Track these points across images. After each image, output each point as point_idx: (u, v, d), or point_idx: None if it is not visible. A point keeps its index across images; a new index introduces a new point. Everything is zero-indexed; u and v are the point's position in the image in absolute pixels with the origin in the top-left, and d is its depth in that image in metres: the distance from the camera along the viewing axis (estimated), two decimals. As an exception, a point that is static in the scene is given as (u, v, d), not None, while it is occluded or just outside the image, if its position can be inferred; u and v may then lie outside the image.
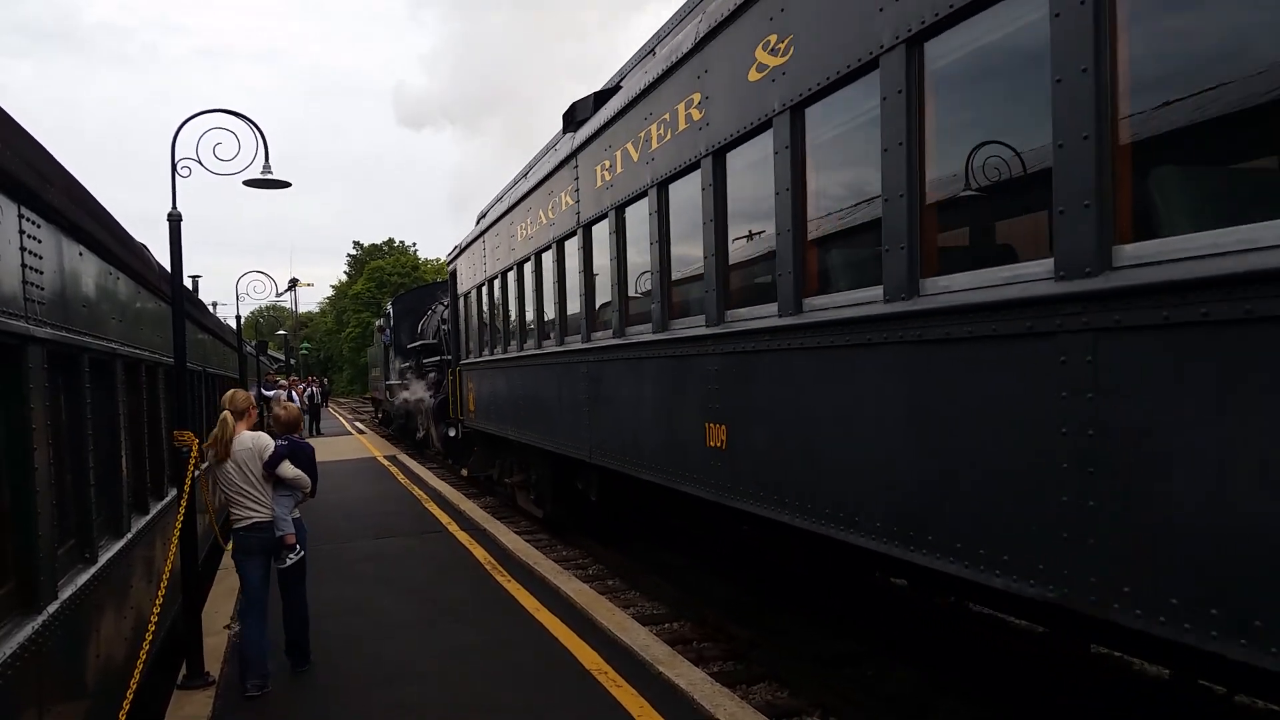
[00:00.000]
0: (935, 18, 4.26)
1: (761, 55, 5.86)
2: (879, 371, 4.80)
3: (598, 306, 9.60)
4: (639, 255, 8.19)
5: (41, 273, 4.42)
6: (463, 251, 17.46)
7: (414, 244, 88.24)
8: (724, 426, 6.60)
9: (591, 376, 9.59)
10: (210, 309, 19.19)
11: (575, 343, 10.09)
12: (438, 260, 76.19)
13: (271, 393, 23.42)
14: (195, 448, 6.98)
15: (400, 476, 19.34)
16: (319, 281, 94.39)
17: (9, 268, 3.96)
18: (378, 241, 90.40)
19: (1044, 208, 3.74)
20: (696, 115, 6.85)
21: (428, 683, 6.61)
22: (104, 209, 5.99)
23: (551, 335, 11.16)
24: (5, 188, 3.94)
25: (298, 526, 6.77)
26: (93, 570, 5.16)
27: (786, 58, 5.57)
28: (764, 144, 5.94)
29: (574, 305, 10.20)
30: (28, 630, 3.92)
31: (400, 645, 7.52)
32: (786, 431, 5.80)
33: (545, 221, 11.20)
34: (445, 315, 20.89)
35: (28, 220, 4.24)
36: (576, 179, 9.87)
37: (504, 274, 13.72)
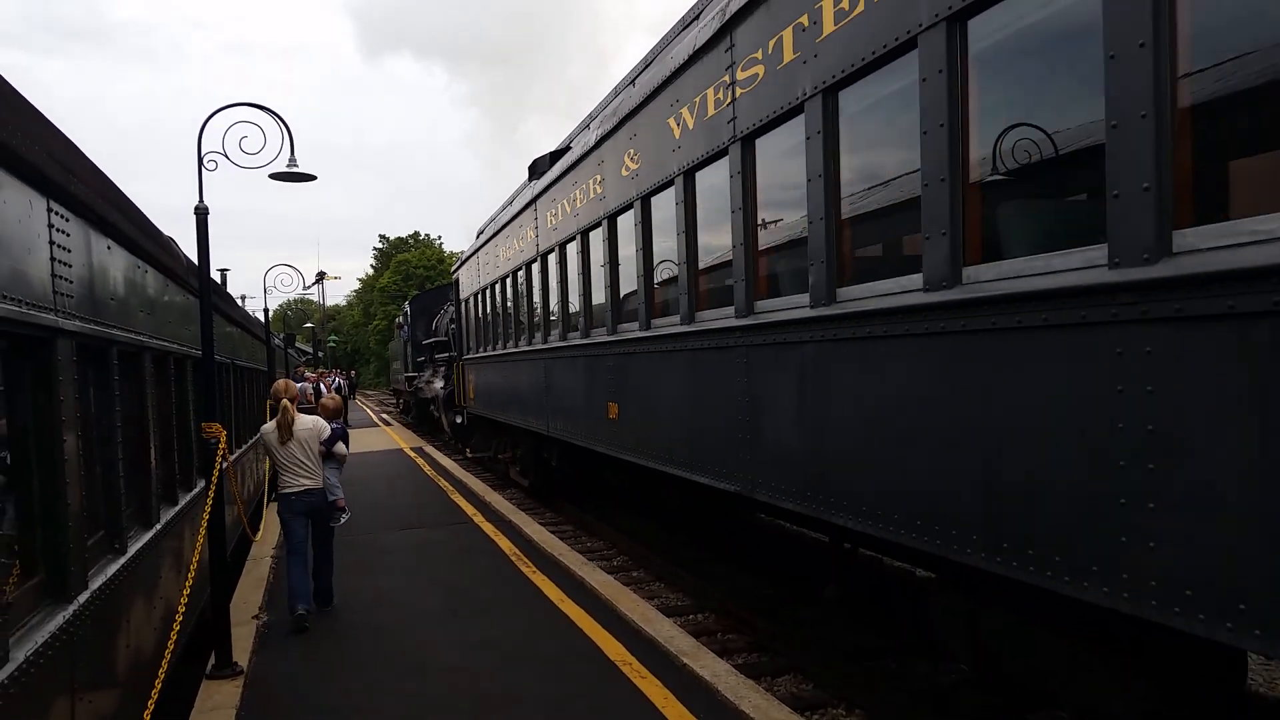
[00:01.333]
0: None
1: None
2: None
3: (551, 316, 12.26)
4: (577, 278, 10.83)
5: (70, 266, 4.46)
6: (463, 264, 21.16)
7: (439, 237, 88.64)
8: (616, 404, 9.44)
9: (547, 370, 12.49)
10: (238, 302, 19.36)
11: (538, 343, 12.98)
12: (462, 253, 76.40)
13: (299, 385, 23.60)
14: (223, 440, 7.04)
15: (427, 468, 19.45)
16: (346, 275, 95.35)
17: (38, 261, 4.00)
18: (404, 235, 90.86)
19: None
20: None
21: (453, 673, 6.64)
22: (132, 203, 6.04)
23: (523, 337, 14.11)
24: (35, 182, 3.98)
25: (323, 504, 8.22)
26: (122, 561, 5.21)
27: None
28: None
29: (535, 315, 13.17)
30: (59, 619, 3.97)
31: (425, 636, 7.56)
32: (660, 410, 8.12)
33: (517, 249, 14.30)
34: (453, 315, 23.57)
35: (57, 214, 4.28)
36: (535, 219, 12.90)
37: (491, 286, 16.78)
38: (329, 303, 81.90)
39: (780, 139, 6.06)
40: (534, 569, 9.71)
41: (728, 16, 6.42)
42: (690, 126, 7.26)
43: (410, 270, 79.19)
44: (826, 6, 5.27)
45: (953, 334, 4.39)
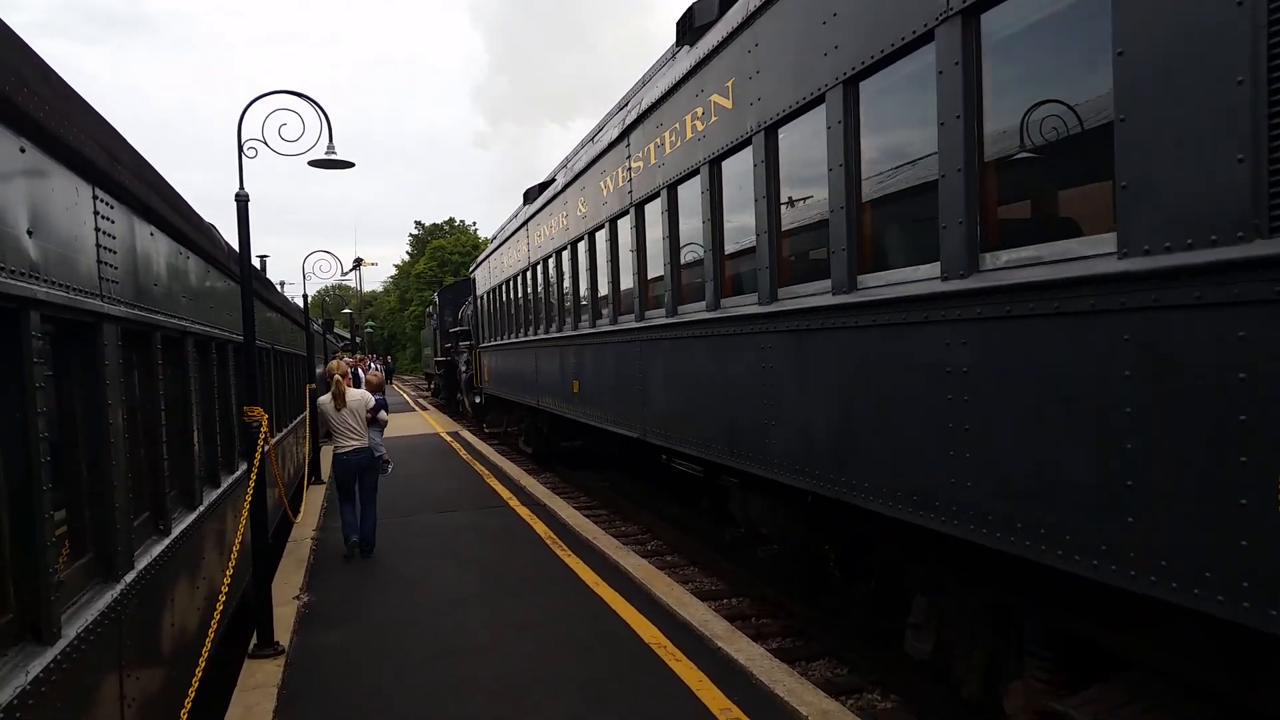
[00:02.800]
0: None
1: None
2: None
3: (541, 313, 15.57)
4: (568, 283, 13.53)
5: (115, 253, 4.54)
6: (477, 265, 25.43)
7: (474, 223, 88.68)
8: (577, 381, 12.86)
9: (535, 356, 16.10)
10: (278, 288, 19.59)
11: (529, 335, 16.51)
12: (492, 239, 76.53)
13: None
14: (265, 423, 7.16)
15: (462, 452, 19.62)
16: (383, 261, 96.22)
17: (85, 248, 4.08)
18: (439, 221, 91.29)
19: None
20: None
21: (489, 654, 6.72)
22: (174, 190, 6.13)
23: (521, 330, 17.51)
24: (81, 170, 4.06)
25: (371, 460, 10.09)
26: (166, 541, 5.33)
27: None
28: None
29: (528, 312, 16.75)
30: (107, 598, 4.07)
31: (462, 617, 7.65)
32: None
33: (515, 258, 17.88)
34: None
35: (102, 201, 4.36)
36: (527, 237, 16.48)
37: (498, 286, 20.38)
38: (366, 288, 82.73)
39: (654, 208, 9.25)
40: (568, 552, 9.77)
41: (624, 125, 9.94)
42: (610, 190, 10.78)
43: (445, 256, 79.50)
44: (667, 137, 8.61)
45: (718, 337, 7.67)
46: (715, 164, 7.49)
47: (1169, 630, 4.00)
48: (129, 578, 4.42)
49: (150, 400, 5.40)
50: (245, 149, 7.07)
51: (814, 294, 5.99)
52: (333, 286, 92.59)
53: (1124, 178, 3.51)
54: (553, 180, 14.88)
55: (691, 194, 8.08)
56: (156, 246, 5.63)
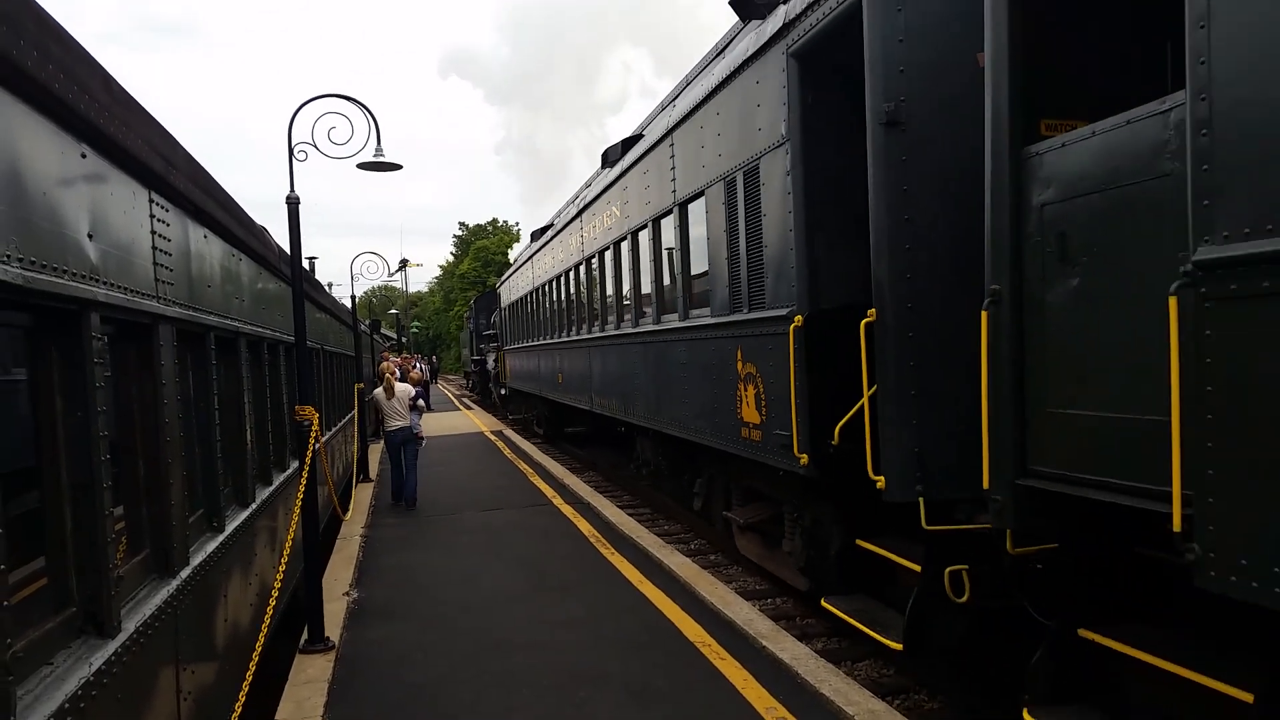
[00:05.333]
0: None
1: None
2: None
3: (546, 326, 20.16)
4: (551, 306, 19.08)
5: (170, 255, 4.64)
6: (501, 283, 32.71)
7: (516, 223, 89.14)
8: (561, 375, 18.55)
9: (539, 357, 21.79)
10: (326, 289, 19.88)
11: (534, 341, 22.12)
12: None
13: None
14: (316, 422, 7.27)
15: (507, 451, 19.76)
16: (428, 262, 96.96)
17: (141, 250, 4.18)
18: (482, 222, 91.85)
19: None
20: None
21: (535, 650, 6.77)
22: (227, 193, 6.25)
23: (529, 337, 23.03)
24: (138, 174, 4.15)
25: (411, 435, 13.29)
26: (220, 538, 5.44)
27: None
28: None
29: (534, 324, 22.13)
30: (164, 593, 4.17)
31: (508, 614, 7.71)
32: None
33: (529, 278, 22.83)
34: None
35: (158, 205, 4.46)
36: (533, 266, 22.17)
37: (515, 302, 26.32)
38: (411, 289, 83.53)
39: (593, 263, 14.60)
40: (612, 550, 9.80)
41: (579, 208, 15.74)
42: (573, 248, 16.41)
43: (489, 256, 79.98)
44: (598, 222, 13.89)
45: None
46: (616, 244, 12.87)
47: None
48: (184, 573, 4.51)
49: (204, 399, 5.51)
50: (296, 152, 7.18)
51: (639, 327, 11.72)
52: (380, 287, 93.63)
53: None
54: (549, 226, 20.59)
55: (607, 259, 13.49)
56: (210, 249, 5.75)
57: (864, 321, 5.79)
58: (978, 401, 4.67)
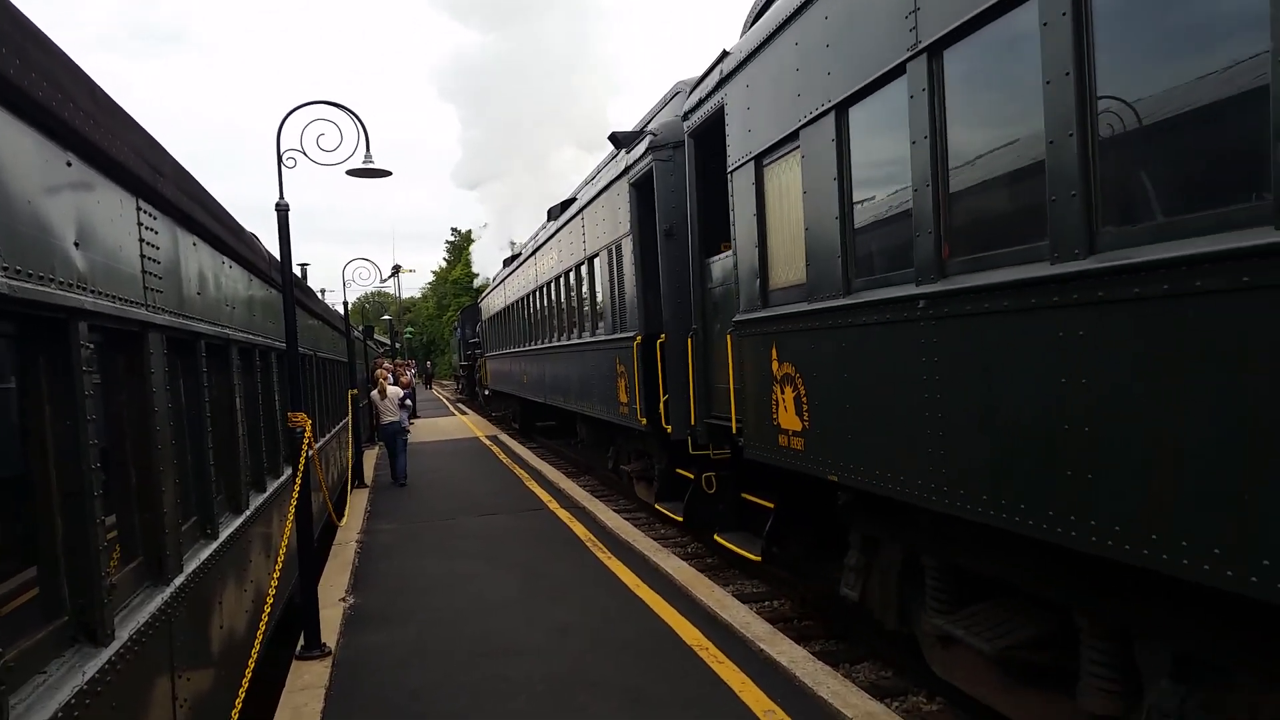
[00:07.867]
0: None
1: None
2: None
3: (515, 336, 24.33)
4: (517, 322, 24.06)
5: (159, 263, 4.63)
6: (480, 299, 39.57)
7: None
8: (526, 376, 24.20)
9: (512, 361, 25.84)
10: (319, 295, 19.86)
11: (507, 349, 26.60)
12: (521, 252, 76.67)
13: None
14: (308, 428, 7.24)
15: (502, 456, 19.74)
16: (420, 268, 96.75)
17: (129, 258, 4.17)
18: (474, 227, 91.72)
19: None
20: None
21: (532, 656, 6.75)
22: (216, 201, 6.23)
23: (503, 345, 27.56)
24: (126, 182, 4.14)
25: (400, 428, 16.46)
26: (214, 545, 5.42)
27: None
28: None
29: (506, 335, 26.82)
30: (158, 601, 4.15)
31: (505, 619, 7.70)
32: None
33: (502, 298, 27.66)
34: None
35: (145, 213, 4.45)
36: (504, 289, 27.09)
37: (494, 315, 30.39)
38: (404, 295, 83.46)
39: (542, 292, 19.51)
40: (609, 554, 9.79)
41: (534, 247, 20.94)
42: (529, 277, 21.02)
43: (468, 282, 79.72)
44: (546, 259, 18.96)
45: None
46: (556, 278, 17.42)
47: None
48: (178, 581, 4.49)
49: (196, 407, 5.49)
50: (285, 159, 7.17)
51: (569, 340, 16.34)
52: (373, 293, 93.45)
53: None
54: (518, 255, 25.02)
55: (551, 289, 18.01)
56: (199, 256, 5.73)
57: (658, 341, 10.75)
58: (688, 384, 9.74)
